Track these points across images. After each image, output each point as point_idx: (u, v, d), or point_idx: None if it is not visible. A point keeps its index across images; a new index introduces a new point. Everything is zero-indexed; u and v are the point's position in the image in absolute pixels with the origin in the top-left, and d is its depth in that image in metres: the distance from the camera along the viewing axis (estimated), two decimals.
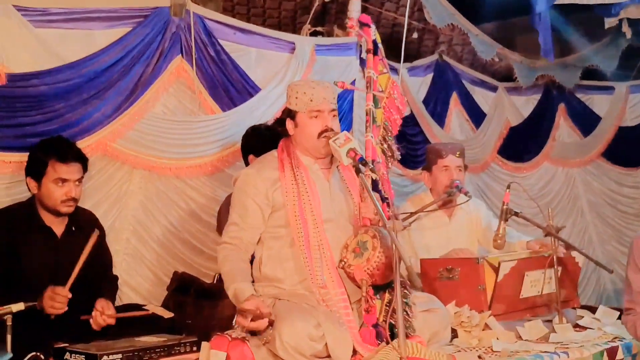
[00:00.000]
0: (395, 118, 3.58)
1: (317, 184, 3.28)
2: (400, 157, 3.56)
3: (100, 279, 3.53)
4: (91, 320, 3.29)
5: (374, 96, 3.50)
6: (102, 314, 3.28)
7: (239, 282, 3.08)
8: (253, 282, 3.28)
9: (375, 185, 3.21)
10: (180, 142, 4.30)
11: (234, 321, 3.15)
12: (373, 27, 3.64)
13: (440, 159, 4.34)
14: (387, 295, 3.17)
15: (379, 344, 3.06)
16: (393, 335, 3.05)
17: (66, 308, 3.19)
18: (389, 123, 3.56)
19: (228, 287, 3.12)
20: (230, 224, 3.29)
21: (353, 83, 4.99)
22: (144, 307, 3.45)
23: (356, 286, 3.15)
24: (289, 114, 3.33)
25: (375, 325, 3.12)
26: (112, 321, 3.31)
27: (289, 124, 3.33)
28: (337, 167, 3.38)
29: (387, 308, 3.14)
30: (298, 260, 3.18)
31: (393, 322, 3.08)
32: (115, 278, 3.73)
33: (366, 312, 3.14)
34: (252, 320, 2.91)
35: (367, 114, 3.47)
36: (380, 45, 3.64)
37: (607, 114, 7.15)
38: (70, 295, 3.22)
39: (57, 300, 3.19)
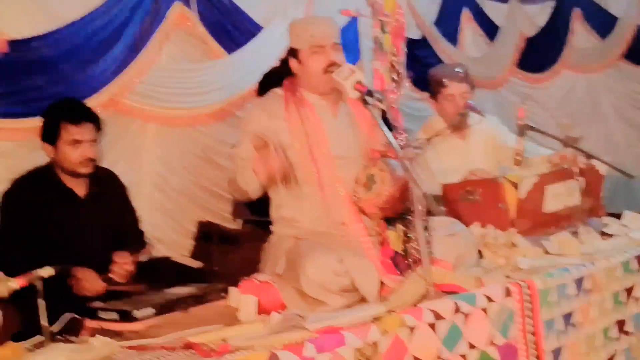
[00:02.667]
0: (399, 43, 3.50)
1: (325, 121, 3.24)
2: (408, 84, 3.47)
3: (124, 237, 3.56)
4: (113, 276, 3.35)
5: (381, 22, 3.43)
6: (120, 264, 3.34)
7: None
8: (271, 223, 3.31)
9: (383, 114, 3.16)
10: (189, 90, 4.30)
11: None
12: None
13: (443, 88, 4.25)
14: (399, 225, 3.16)
15: (398, 272, 3.06)
16: (409, 265, 3.06)
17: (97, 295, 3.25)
18: (395, 48, 3.48)
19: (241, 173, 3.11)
20: (240, 159, 3.21)
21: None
22: (170, 259, 3.49)
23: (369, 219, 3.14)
24: (291, 52, 3.27)
25: (393, 258, 3.12)
26: (131, 267, 3.36)
27: (292, 62, 3.27)
28: (344, 101, 3.33)
29: (405, 238, 3.14)
30: (313, 198, 3.17)
31: (409, 250, 3.08)
32: (141, 233, 3.77)
33: (380, 244, 3.14)
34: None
35: (374, 42, 3.41)
36: None
37: (624, 13, 6.96)
38: (103, 292, 3.29)
39: (92, 290, 3.26)
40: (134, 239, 3.63)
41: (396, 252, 3.13)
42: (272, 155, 2.97)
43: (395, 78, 3.35)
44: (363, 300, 2.95)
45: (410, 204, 2.93)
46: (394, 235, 3.15)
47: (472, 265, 3.28)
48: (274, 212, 3.31)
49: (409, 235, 3.08)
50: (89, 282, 3.26)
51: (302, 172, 3.17)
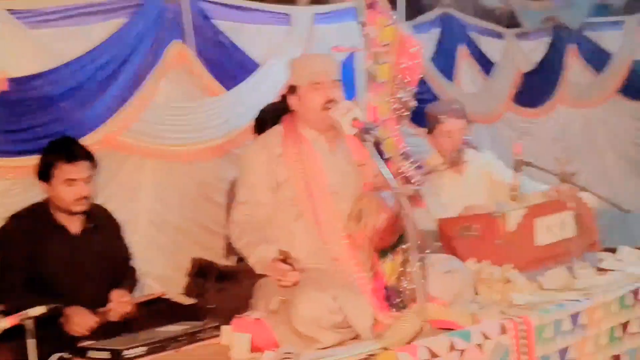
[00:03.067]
0: (413, 66, 3.50)
1: (322, 157, 3.25)
2: (414, 106, 3.48)
3: (120, 273, 3.56)
4: (109, 314, 3.34)
5: (374, 53, 3.45)
6: (119, 302, 3.33)
7: (262, 245, 3.11)
8: None
9: (378, 149, 3.17)
10: (187, 127, 4.32)
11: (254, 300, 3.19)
12: None
13: (440, 124, 4.27)
14: (399, 256, 3.17)
15: (390, 307, 3.07)
16: (402, 300, 3.08)
17: (88, 334, 3.24)
18: (400, 75, 3.48)
19: (249, 255, 3.14)
20: (239, 203, 3.28)
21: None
22: (163, 297, 3.48)
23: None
24: (291, 89, 3.30)
25: (388, 288, 3.13)
26: (129, 308, 3.35)
27: (291, 99, 3.30)
28: (342, 137, 3.34)
29: (401, 270, 3.14)
30: (308, 234, 3.17)
31: (403, 284, 3.11)
32: (133, 270, 3.76)
33: (373, 277, 3.15)
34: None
35: (367, 74, 3.43)
36: None
37: (619, 49, 7.00)
38: (97, 323, 3.28)
39: (83, 327, 3.25)
40: (127, 276, 3.63)
41: (388, 286, 3.14)
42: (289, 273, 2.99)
43: (396, 106, 3.36)
44: (356, 337, 2.94)
45: (406, 239, 2.94)
46: (389, 267, 3.16)
47: (468, 302, 3.28)
48: None
49: (406, 268, 3.09)
50: (79, 319, 3.25)
51: (298, 208, 3.18)
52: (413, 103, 3.44)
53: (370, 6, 3.45)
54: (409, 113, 3.45)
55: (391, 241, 3.13)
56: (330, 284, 2.98)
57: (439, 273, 3.19)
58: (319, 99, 3.21)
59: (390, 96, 3.38)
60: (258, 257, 3.11)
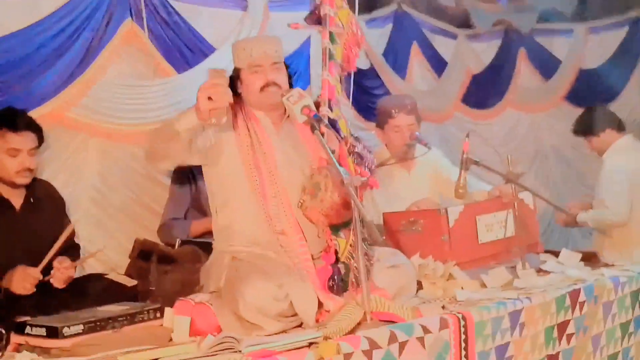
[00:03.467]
0: (354, 53, 3.54)
1: (269, 136, 3.27)
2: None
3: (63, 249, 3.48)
4: (52, 280, 3.26)
5: (331, 33, 3.46)
6: (60, 268, 3.26)
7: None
8: (209, 245, 3.31)
9: (333, 124, 3.18)
10: (136, 107, 4.24)
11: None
12: None
13: (390, 119, 4.29)
14: (351, 234, 3.18)
15: (338, 282, 3.11)
16: (344, 281, 3.12)
17: (34, 289, 3.17)
18: (344, 61, 3.51)
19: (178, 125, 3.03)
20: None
21: (308, 40, 4.95)
22: (105, 276, 3.42)
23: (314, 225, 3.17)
24: (234, 72, 3.31)
25: (334, 264, 3.15)
26: (72, 272, 3.29)
27: (236, 82, 3.30)
28: (287, 117, 3.33)
29: (350, 248, 3.16)
30: (253, 206, 3.17)
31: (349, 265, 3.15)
32: (77, 246, 3.69)
33: (324, 251, 3.18)
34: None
35: (323, 52, 3.44)
36: None
37: (567, 57, 7.14)
38: (41, 277, 3.20)
39: (28, 281, 3.17)
40: (70, 252, 3.55)
41: (337, 261, 3.16)
42: (217, 81, 2.93)
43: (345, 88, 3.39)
44: (299, 326, 2.94)
45: (354, 229, 2.95)
46: (342, 243, 3.17)
47: (411, 296, 3.31)
48: (214, 224, 3.32)
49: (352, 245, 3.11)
50: (22, 275, 3.17)
51: (245, 180, 3.18)
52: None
53: None
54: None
55: (346, 217, 3.14)
56: (276, 272, 2.98)
57: (383, 267, 3.22)
58: (259, 82, 3.25)
59: (339, 78, 3.42)
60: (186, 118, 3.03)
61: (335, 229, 3.20)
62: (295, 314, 2.93)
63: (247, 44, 3.34)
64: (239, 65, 3.29)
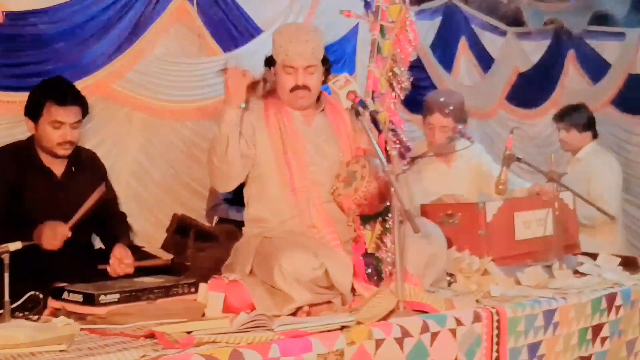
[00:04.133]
0: (407, 49, 3.51)
1: (300, 130, 3.25)
2: (410, 87, 3.47)
3: (105, 216, 3.51)
4: (108, 269, 3.26)
5: (382, 27, 3.45)
6: (121, 262, 3.26)
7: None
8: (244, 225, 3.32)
9: (374, 121, 3.16)
10: (180, 84, 4.28)
11: None
12: None
13: (428, 115, 4.22)
14: (377, 226, 3.18)
15: (370, 274, 3.10)
16: (379, 271, 3.11)
17: (61, 246, 3.18)
18: (399, 54, 3.49)
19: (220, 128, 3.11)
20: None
21: (356, 27, 4.93)
22: (142, 249, 3.45)
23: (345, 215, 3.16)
24: (270, 61, 3.27)
25: (365, 255, 3.15)
26: (130, 270, 3.27)
27: (268, 70, 3.28)
28: (322, 110, 3.33)
29: (378, 240, 3.15)
30: (283, 200, 3.18)
31: (379, 257, 3.14)
32: (124, 215, 3.71)
33: (354, 242, 3.17)
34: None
35: (371, 45, 3.43)
36: None
37: (617, 61, 7.02)
38: (70, 235, 3.22)
39: (57, 238, 3.18)
40: (115, 221, 3.58)
41: (367, 252, 3.15)
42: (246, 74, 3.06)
43: (394, 82, 3.36)
44: (329, 302, 2.94)
45: (392, 214, 2.93)
46: (368, 235, 3.16)
47: (442, 269, 3.29)
48: (245, 213, 3.33)
49: (384, 238, 3.09)
50: (53, 229, 3.19)
51: (276, 174, 3.18)
52: (407, 84, 3.44)
53: None
54: (403, 92, 3.46)
55: (378, 209, 3.14)
56: (311, 244, 3.00)
57: (414, 237, 3.19)
58: (289, 83, 3.21)
59: (389, 72, 3.39)
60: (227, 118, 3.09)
61: (365, 219, 3.19)
62: (328, 286, 2.93)
63: (284, 40, 3.21)
64: (275, 58, 3.24)
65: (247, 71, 3.11)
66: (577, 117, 5.22)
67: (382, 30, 3.42)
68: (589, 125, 5.24)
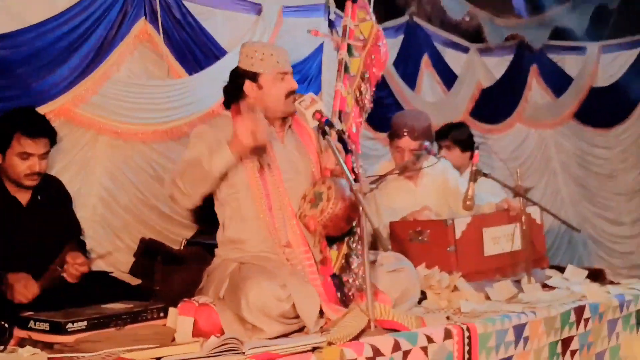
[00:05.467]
0: (376, 67, 3.54)
1: (274, 146, 3.25)
2: (370, 108, 3.50)
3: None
4: (65, 275, 3.23)
5: (349, 45, 3.46)
6: (74, 263, 3.23)
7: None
8: (217, 246, 3.26)
9: (342, 141, 3.16)
10: (146, 106, 4.25)
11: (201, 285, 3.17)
12: None
13: (397, 138, 4.20)
14: (344, 247, 3.19)
15: (339, 296, 3.09)
16: (343, 292, 3.10)
17: (31, 300, 3.13)
18: (368, 73, 3.51)
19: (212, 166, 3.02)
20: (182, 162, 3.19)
21: (321, 46, 4.95)
22: (110, 274, 3.41)
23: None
24: (248, 75, 3.25)
25: (333, 276, 3.14)
26: (85, 269, 3.25)
27: (248, 86, 3.26)
28: (289, 127, 3.34)
29: (343, 262, 3.15)
30: (260, 220, 3.16)
31: (347, 278, 3.14)
32: (82, 244, 3.67)
33: (322, 263, 3.16)
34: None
35: (339, 64, 3.44)
36: None
37: (579, 75, 7.15)
38: (39, 293, 3.16)
39: (25, 294, 3.13)
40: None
41: (334, 274, 3.14)
42: (258, 117, 3.00)
43: (359, 101, 3.38)
44: (300, 330, 2.93)
45: (361, 236, 2.94)
46: (334, 255, 3.16)
47: (415, 302, 3.30)
48: (220, 234, 3.29)
49: (350, 259, 3.09)
50: (23, 285, 3.15)
51: (252, 193, 3.16)
52: (370, 104, 3.47)
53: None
54: (366, 112, 3.49)
55: (344, 230, 3.15)
56: (280, 272, 2.97)
57: (386, 270, 3.21)
58: (284, 89, 3.23)
59: (355, 90, 3.41)
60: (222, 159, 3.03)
61: (330, 240, 3.19)
62: (298, 316, 2.91)
63: (272, 50, 3.27)
64: (260, 70, 3.22)
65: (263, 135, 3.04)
66: (458, 135, 5.03)
67: (349, 49, 3.44)
68: (471, 144, 5.00)
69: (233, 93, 3.29)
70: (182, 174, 3.07)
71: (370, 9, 3.62)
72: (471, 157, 4.81)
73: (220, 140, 3.08)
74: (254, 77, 3.24)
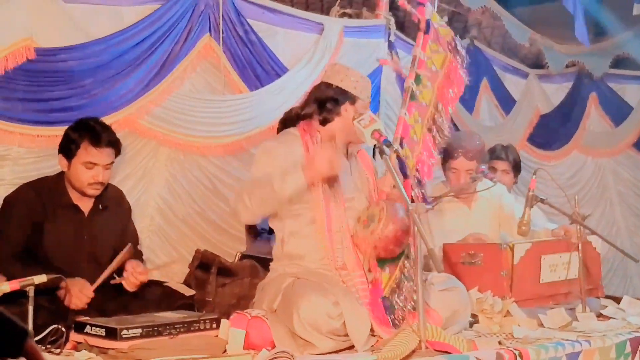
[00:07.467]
0: (451, 97, 3.56)
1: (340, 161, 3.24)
2: (447, 136, 3.52)
3: None
4: (124, 283, 3.31)
5: (417, 75, 3.48)
6: (134, 272, 3.30)
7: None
8: (271, 261, 3.29)
9: (401, 164, 3.17)
10: (206, 120, 4.31)
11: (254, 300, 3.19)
12: (429, 5, 3.61)
13: (451, 159, 4.21)
14: (397, 271, 3.18)
15: (389, 318, 3.08)
16: (392, 314, 3.10)
17: (86, 307, 3.20)
18: (442, 104, 3.54)
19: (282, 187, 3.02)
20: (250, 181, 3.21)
21: (380, 67, 4.98)
22: (165, 284, 3.46)
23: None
24: (348, 96, 3.24)
25: (383, 299, 3.13)
26: (144, 278, 3.32)
27: (347, 107, 3.25)
28: (353, 153, 3.37)
29: (394, 285, 3.15)
30: (319, 238, 3.17)
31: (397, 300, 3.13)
32: (139, 254, 3.72)
33: (371, 284, 3.15)
34: None
35: (405, 91, 3.46)
36: (436, 24, 3.61)
37: (639, 104, 7.03)
38: (93, 296, 3.24)
39: (81, 299, 3.21)
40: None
41: (384, 296, 3.14)
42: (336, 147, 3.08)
43: (434, 130, 3.39)
44: (352, 347, 2.93)
45: (415, 258, 2.94)
46: (385, 278, 3.16)
47: (465, 324, 3.28)
48: (278, 250, 3.30)
49: (401, 282, 3.08)
50: (79, 291, 3.21)
51: (312, 213, 3.17)
52: (447, 133, 3.49)
53: (424, 30, 3.50)
54: (440, 141, 3.51)
55: (394, 253, 3.14)
56: (333, 290, 2.97)
57: (437, 290, 3.20)
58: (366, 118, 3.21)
59: (428, 120, 3.42)
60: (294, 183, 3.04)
61: (381, 262, 3.19)
62: (347, 334, 2.91)
63: (366, 82, 3.33)
64: (357, 94, 3.24)
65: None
66: (515, 157, 4.95)
67: (417, 78, 3.45)
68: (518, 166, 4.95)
69: (329, 109, 3.26)
70: (251, 190, 3.08)
71: (458, 43, 3.62)
72: (515, 180, 4.89)
73: (294, 162, 3.10)
74: (353, 100, 3.26)
